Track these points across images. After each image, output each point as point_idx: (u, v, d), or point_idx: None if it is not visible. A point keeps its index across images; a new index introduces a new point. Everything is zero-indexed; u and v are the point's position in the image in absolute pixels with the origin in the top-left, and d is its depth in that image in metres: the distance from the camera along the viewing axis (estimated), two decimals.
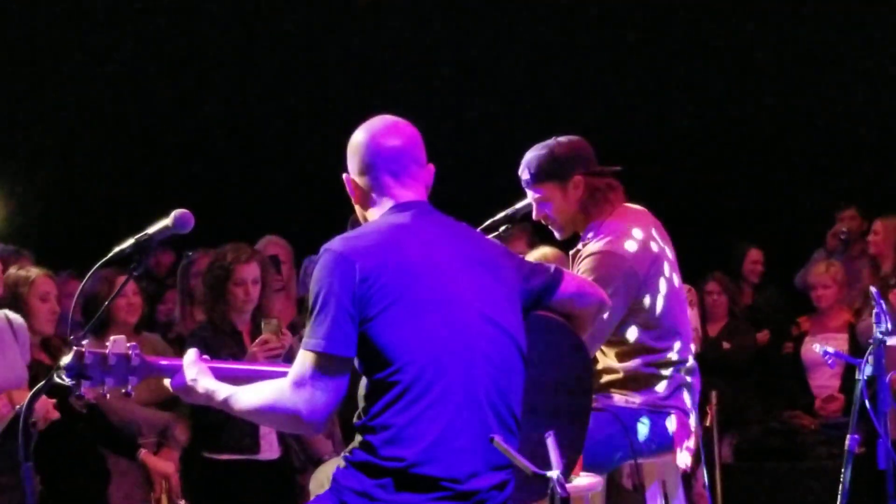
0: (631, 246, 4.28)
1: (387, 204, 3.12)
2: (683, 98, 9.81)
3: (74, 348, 3.11)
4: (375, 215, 3.13)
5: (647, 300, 4.27)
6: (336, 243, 2.99)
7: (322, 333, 2.91)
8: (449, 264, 3.01)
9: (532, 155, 4.44)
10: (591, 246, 4.31)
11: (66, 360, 3.12)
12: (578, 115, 9.40)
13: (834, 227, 8.43)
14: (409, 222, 3.05)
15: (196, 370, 3.19)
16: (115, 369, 3.16)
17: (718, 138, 9.87)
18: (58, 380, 3.11)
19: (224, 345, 5.65)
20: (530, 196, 4.48)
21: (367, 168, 3.14)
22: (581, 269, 4.26)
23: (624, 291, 4.19)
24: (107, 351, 3.15)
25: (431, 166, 3.23)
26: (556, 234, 4.56)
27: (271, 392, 3.00)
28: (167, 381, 3.27)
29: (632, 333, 4.29)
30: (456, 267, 3.02)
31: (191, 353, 3.24)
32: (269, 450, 5.77)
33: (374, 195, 3.14)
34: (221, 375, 3.26)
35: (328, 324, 2.91)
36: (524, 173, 4.45)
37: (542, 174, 4.40)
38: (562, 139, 4.45)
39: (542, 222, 4.52)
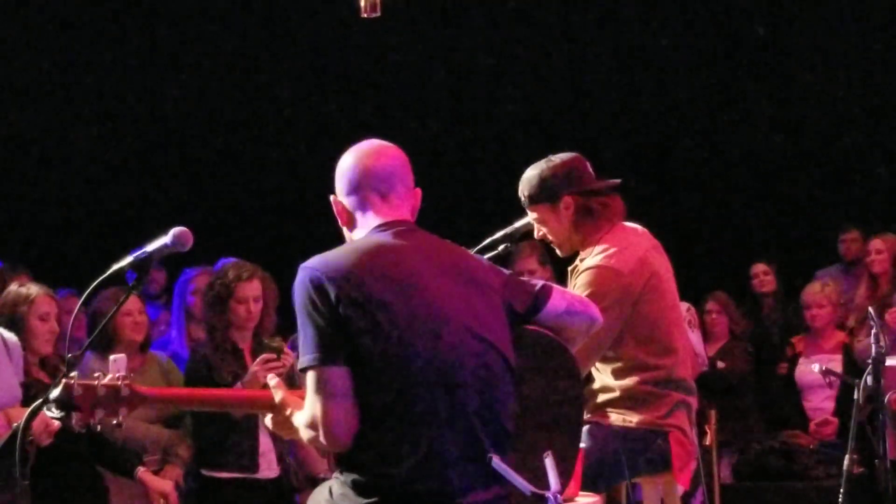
0: (627, 261, 4.31)
1: (372, 223, 3.12)
2: (687, 117, 9.82)
3: (63, 381, 3.10)
4: (360, 235, 3.14)
5: (643, 315, 4.29)
6: (313, 262, 3.00)
7: (312, 349, 2.93)
8: (433, 280, 3.01)
9: (525, 177, 4.50)
10: (589, 261, 4.35)
11: (54, 393, 3.10)
12: (580, 133, 9.43)
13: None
14: (391, 240, 3.06)
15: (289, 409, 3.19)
16: (105, 400, 3.14)
17: (721, 158, 9.87)
18: (47, 412, 3.10)
19: (225, 363, 5.66)
20: (529, 216, 4.52)
21: (356, 187, 3.15)
22: (578, 283, 4.30)
23: (619, 306, 4.22)
24: (96, 383, 3.14)
25: (419, 190, 3.24)
26: (558, 252, 4.61)
27: (300, 415, 3.05)
28: (268, 420, 3.29)
29: (627, 349, 4.31)
30: (440, 283, 3.02)
31: (277, 392, 3.23)
32: (268, 468, 5.77)
33: (359, 214, 3.15)
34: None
35: (315, 338, 2.92)
36: (521, 194, 4.51)
37: (534, 197, 4.45)
38: (554, 158, 4.49)
39: (545, 240, 4.57)
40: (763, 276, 8.58)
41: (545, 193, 4.42)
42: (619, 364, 4.34)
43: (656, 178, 9.55)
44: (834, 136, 9.62)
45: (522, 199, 4.49)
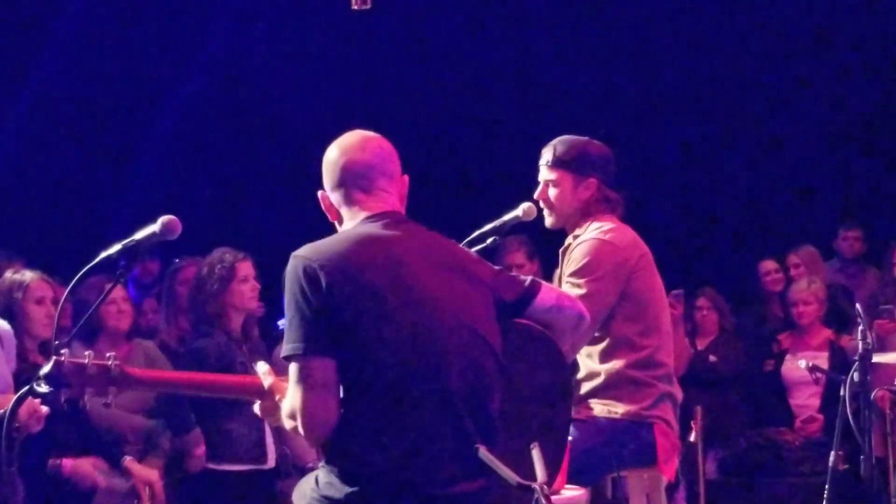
0: (622, 237, 4.40)
1: (359, 216, 3.15)
2: (677, 112, 9.82)
3: (53, 357, 3.12)
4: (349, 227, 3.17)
5: (634, 291, 4.35)
6: (305, 250, 3.02)
7: (297, 338, 2.94)
8: (423, 270, 3.03)
9: (566, 140, 4.55)
10: (584, 235, 4.44)
11: (45, 369, 3.11)
12: (571, 126, 9.40)
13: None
14: (380, 231, 3.08)
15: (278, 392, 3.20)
16: (95, 379, 3.16)
17: (713, 153, 9.89)
18: (37, 388, 3.11)
19: (238, 351, 5.72)
20: (543, 174, 4.53)
21: (338, 184, 3.18)
22: (572, 257, 4.37)
23: (613, 277, 4.31)
24: (86, 361, 3.15)
25: (405, 178, 3.26)
26: (547, 221, 4.59)
27: (283, 403, 3.06)
28: (256, 407, 3.30)
29: (616, 324, 4.36)
30: (430, 273, 3.04)
31: (267, 378, 3.25)
32: (271, 459, 5.87)
33: (345, 209, 3.19)
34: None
35: (301, 328, 2.94)
36: (548, 152, 4.53)
37: (564, 160, 4.48)
38: (596, 142, 4.57)
39: (540, 203, 4.56)
40: (774, 273, 8.56)
41: (578, 164, 4.47)
42: (605, 343, 4.38)
43: (648, 174, 9.55)
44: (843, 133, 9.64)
45: (549, 156, 4.51)
